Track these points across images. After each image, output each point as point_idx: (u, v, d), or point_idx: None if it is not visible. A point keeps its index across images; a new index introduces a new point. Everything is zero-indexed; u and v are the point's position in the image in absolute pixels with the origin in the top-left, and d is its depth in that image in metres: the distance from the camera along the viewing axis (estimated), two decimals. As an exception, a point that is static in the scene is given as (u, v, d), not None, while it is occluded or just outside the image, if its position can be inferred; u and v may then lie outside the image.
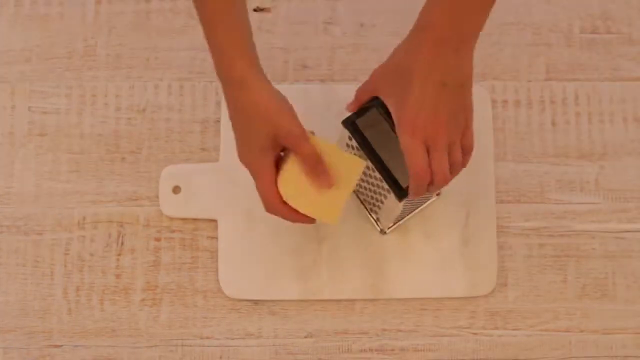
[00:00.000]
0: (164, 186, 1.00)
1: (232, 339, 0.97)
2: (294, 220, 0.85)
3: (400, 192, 0.84)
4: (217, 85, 1.03)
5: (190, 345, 0.97)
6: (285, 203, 0.84)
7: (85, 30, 1.05)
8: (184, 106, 1.03)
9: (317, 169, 0.83)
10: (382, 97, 0.82)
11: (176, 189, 1.00)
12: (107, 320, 0.98)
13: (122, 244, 0.99)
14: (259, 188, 0.84)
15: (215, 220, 0.99)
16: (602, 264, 0.99)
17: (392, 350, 0.97)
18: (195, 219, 1.00)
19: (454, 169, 0.82)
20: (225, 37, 0.81)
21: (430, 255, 0.98)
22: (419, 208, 0.98)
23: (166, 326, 0.98)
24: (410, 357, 0.97)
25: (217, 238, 0.99)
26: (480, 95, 1.01)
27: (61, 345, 0.97)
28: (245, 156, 0.84)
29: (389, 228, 0.97)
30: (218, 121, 1.02)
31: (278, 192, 0.83)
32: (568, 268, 0.99)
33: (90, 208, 1.00)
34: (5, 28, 1.05)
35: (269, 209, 0.85)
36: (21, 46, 1.04)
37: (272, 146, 0.82)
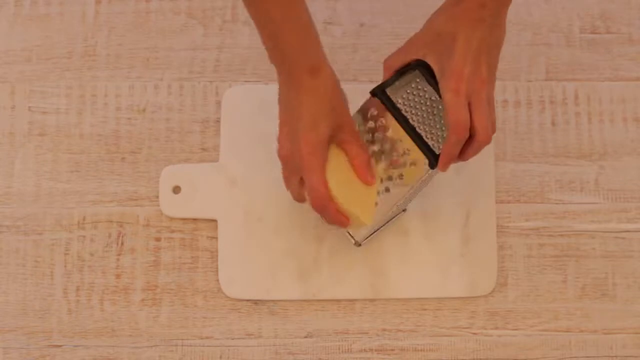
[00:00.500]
0: (164, 186, 1.00)
1: (232, 339, 0.97)
2: (332, 220, 0.88)
3: (435, 158, 0.86)
4: (218, 85, 1.03)
5: (190, 345, 0.97)
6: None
7: (85, 30, 1.05)
8: (184, 106, 1.03)
9: (370, 164, 0.87)
10: (425, 58, 0.85)
11: (176, 189, 1.00)
12: (107, 320, 0.98)
13: (122, 244, 0.99)
14: (313, 181, 0.85)
15: (215, 220, 0.99)
16: (602, 264, 0.99)
17: (392, 350, 0.97)
18: (195, 219, 1.00)
19: (492, 127, 0.85)
20: (299, 25, 0.82)
21: (430, 255, 0.98)
22: (390, 222, 0.97)
23: (166, 326, 0.98)
24: (410, 357, 0.97)
25: (217, 238, 0.99)
26: (480, 95, 1.01)
27: (61, 345, 0.97)
28: (306, 145, 0.84)
29: (365, 239, 0.95)
30: (218, 121, 1.02)
31: (328, 187, 0.86)
32: (568, 268, 0.99)
33: (90, 208, 1.00)
34: (5, 28, 1.05)
35: (319, 203, 0.86)
36: (21, 46, 1.04)
37: (332, 138, 0.85)
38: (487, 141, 0.85)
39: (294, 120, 0.84)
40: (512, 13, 1.05)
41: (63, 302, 0.98)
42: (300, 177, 0.87)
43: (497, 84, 1.03)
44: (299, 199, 0.90)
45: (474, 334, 0.98)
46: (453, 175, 0.99)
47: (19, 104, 1.03)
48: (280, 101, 0.86)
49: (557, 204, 1.00)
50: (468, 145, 0.85)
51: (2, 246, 1.00)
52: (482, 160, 1.00)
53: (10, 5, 1.05)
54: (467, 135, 0.84)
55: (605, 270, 0.99)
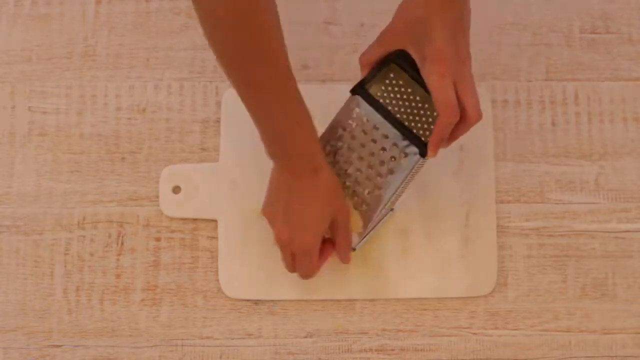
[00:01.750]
0: (164, 186, 1.00)
1: (232, 339, 0.97)
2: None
3: (424, 146, 0.87)
4: (218, 85, 1.03)
5: (190, 345, 0.97)
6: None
7: (85, 30, 1.05)
8: (184, 106, 1.03)
9: (349, 246, 0.93)
10: (403, 48, 0.86)
11: (176, 189, 1.00)
12: (107, 320, 0.98)
13: (122, 244, 0.99)
14: (309, 264, 0.91)
15: (215, 220, 0.99)
16: (602, 264, 0.99)
17: (392, 350, 0.97)
18: (195, 219, 1.00)
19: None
20: (305, 132, 0.86)
21: (430, 255, 0.98)
22: (380, 223, 0.97)
23: (166, 326, 0.98)
24: (410, 357, 0.97)
25: (217, 238, 0.99)
26: (480, 95, 1.01)
27: (61, 345, 0.97)
28: (307, 238, 0.89)
29: (358, 243, 0.95)
30: (218, 121, 1.02)
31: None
32: (568, 268, 0.99)
33: (90, 208, 1.00)
34: (5, 28, 1.05)
35: (311, 275, 0.93)
36: (21, 46, 1.04)
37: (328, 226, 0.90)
38: (478, 119, 0.85)
39: (294, 216, 0.88)
40: (512, 13, 1.05)
41: (63, 302, 0.98)
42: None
43: (497, 83, 1.03)
44: (293, 270, 0.94)
45: (474, 334, 0.98)
46: (453, 175, 0.99)
47: (19, 104, 1.03)
48: (277, 188, 0.89)
49: (557, 204, 1.00)
50: (458, 125, 0.86)
51: (2, 246, 1.00)
52: (482, 161, 1.00)
53: (10, 5, 1.05)
54: (458, 116, 0.84)
55: (605, 270, 0.99)
